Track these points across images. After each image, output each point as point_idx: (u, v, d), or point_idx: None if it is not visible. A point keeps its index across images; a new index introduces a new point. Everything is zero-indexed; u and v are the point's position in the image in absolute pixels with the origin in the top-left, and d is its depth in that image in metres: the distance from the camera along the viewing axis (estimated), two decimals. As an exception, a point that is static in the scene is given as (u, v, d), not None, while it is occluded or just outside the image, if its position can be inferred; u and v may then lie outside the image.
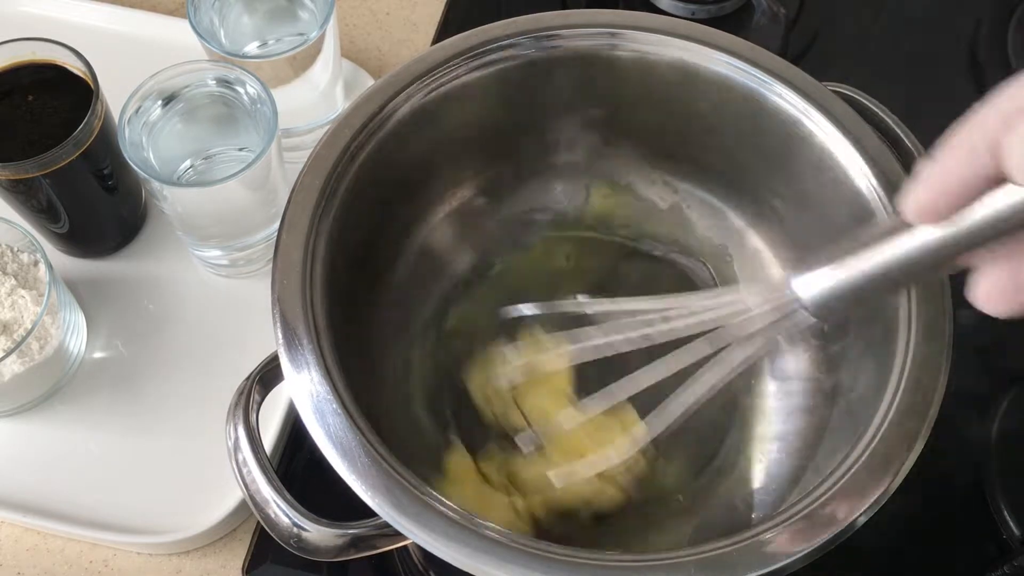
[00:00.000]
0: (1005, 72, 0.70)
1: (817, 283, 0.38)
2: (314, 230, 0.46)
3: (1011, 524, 0.54)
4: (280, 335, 0.43)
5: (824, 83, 0.52)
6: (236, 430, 0.43)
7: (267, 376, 0.44)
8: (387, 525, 0.39)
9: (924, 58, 0.73)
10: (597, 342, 0.44)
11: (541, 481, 0.48)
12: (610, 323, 0.44)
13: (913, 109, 0.65)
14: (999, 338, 0.61)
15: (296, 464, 0.56)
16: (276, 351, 0.43)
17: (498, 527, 0.39)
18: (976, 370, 0.59)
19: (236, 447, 0.42)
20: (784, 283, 0.40)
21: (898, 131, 0.51)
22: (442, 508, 0.39)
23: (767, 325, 0.41)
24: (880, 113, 0.52)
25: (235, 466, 0.42)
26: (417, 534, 0.38)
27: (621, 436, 0.48)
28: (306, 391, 0.41)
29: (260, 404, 0.44)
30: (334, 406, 0.41)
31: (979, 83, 0.71)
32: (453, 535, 0.38)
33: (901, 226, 0.34)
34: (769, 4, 0.72)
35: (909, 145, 0.51)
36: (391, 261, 0.54)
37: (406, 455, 0.41)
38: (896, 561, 0.54)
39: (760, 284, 0.45)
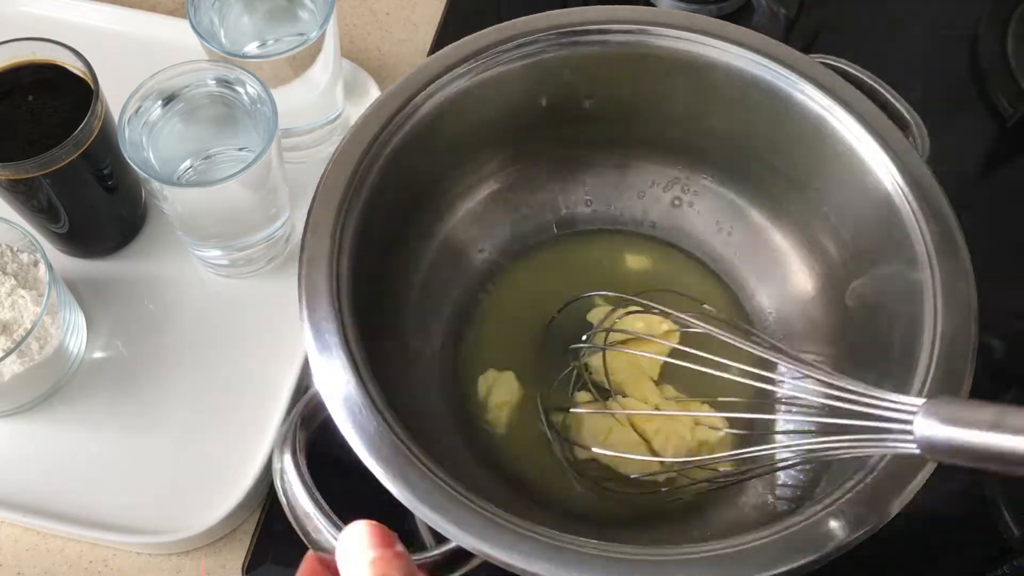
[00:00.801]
0: (1005, 72, 0.70)
1: (943, 433, 0.35)
2: (339, 229, 0.46)
3: (1011, 524, 0.54)
4: (310, 335, 0.43)
5: (812, 55, 0.52)
6: (285, 477, 0.42)
7: (307, 418, 0.44)
8: (454, 552, 0.39)
9: (924, 58, 0.73)
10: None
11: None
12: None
13: (913, 109, 0.65)
14: (999, 338, 0.61)
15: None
16: (311, 392, 0.43)
17: (544, 528, 0.39)
18: (976, 370, 0.59)
19: (288, 491, 0.42)
20: (906, 405, 0.37)
21: (892, 99, 0.52)
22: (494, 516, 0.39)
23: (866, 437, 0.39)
24: (870, 82, 0.53)
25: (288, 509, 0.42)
26: (485, 550, 0.38)
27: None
28: (340, 394, 0.42)
29: (306, 442, 0.44)
30: (371, 415, 0.41)
31: (979, 83, 0.71)
32: (531, 551, 0.38)
33: None
34: (769, 4, 0.72)
35: (906, 115, 0.52)
36: (415, 257, 0.54)
37: (438, 450, 0.42)
38: (896, 561, 0.54)
39: (883, 398, 0.39)
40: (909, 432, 0.36)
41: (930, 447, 0.35)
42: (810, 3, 0.74)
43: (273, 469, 0.43)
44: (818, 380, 0.41)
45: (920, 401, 0.36)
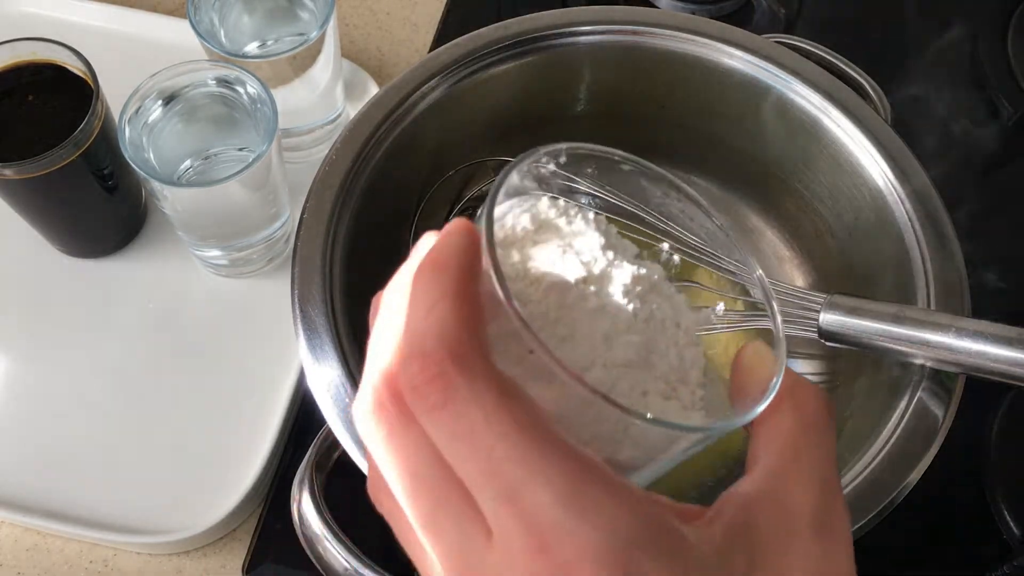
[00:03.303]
0: (1005, 72, 0.70)
1: (845, 322, 0.44)
2: (332, 230, 0.46)
3: (1011, 524, 0.54)
4: (303, 338, 0.43)
5: (768, 35, 0.53)
6: (304, 516, 0.42)
7: (321, 461, 0.44)
8: None
9: (924, 58, 0.73)
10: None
11: None
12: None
13: (913, 109, 0.65)
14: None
15: (295, 464, 0.56)
16: (325, 431, 0.43)
17: None
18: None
19: (307, 533, 0.42)
20: (812, 299, 0.45)
21: (851, 72, 0.53)
22: None
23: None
24: (830, 58, 0.53)
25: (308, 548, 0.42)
26: None
27: None
28: (331, 395, 0.42)
29: (325, 476, 0.43)
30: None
31: (979, 83, 0.71)
32: None
33: (935, 322, 0.41)
34: (769, 4, 0.72)
35: (865, 84, 0.52)
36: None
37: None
38: (896, 561, 0.54)
39: (789, 288, 0.49)
40: (815, 319, 0.45)
41: (830, 333, 0.44)
42: (810, 3, 0.74)
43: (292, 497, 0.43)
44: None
45: (823, 296, 0.45)
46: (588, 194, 0.57)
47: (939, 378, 0.43)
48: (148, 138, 0.53)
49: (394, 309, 0.26)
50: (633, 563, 0.21)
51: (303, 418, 0.56)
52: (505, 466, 0.22)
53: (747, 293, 0.56)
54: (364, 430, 0.25)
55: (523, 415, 0.22)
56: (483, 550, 0.22)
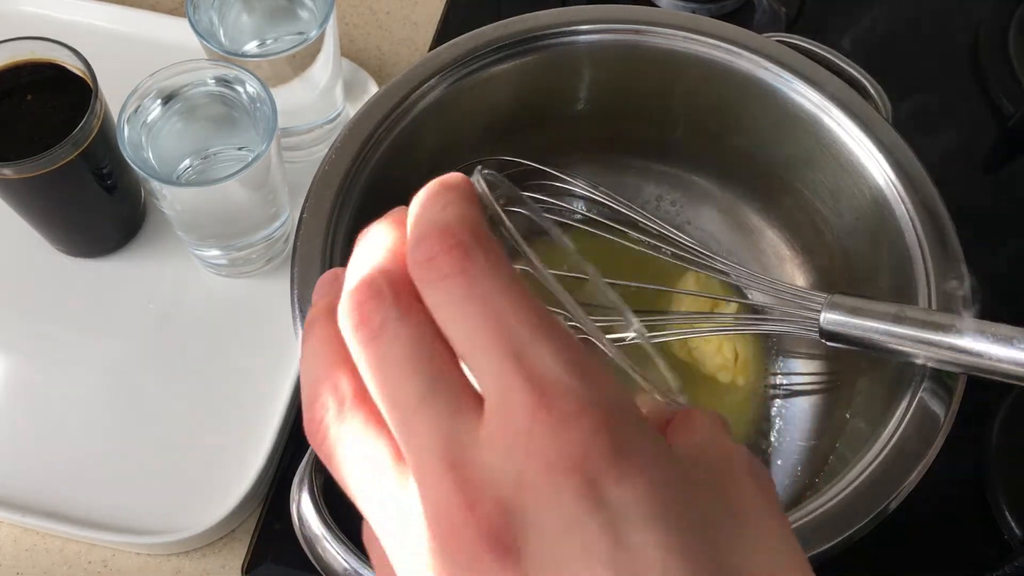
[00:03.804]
0: (1006, 72, 0.70)
1: (845, 322, 0.44)
2: (332, 230, 0.46)
3: (1011, 524, 0.54)
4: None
5: (769, 34, 0.53)
6: (303, 516, 0.42)
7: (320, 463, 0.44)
8: None
9: (924, 58, 0.73)
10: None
11: None
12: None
13: (914, 109, 0.65)
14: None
15: (295, 464, 0.56)
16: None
17: None
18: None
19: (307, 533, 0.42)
20: (812, 299, 0.46)
21: (854, 72, 0.53)
22: None
23: (779, 321, 0.48)
24: (832, 58, 0.53)
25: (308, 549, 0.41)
26: None
27: None
28: None
29: (325, 476, 0.43)
30: None
31: (980, 83, 0.71)
32: None
33: (936, 322, 0.41)
34: (769, 3, 0.72)
35: (867, 85, 0.52)
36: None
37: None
38: (896, 561, 0.54)
39: (790, 288, 0.49)
40: (816, 319, 0.45)
41: (831, 333, 0.45)
42: (811, 2, 0.73)
43: (291, 498, 0.43)
44: (753, 275, 0.52)
45: (823, 296, 0.45)
46: (584, 195, 0.57)
47: (939, 378, 0.43)
48: (147, 137, 0.53)
49: (385, 231, 0.26)
50: (626, 428, 0.22)
51: (303, 418, 0.56)
52: (515, 327, 0.22)
53: (742, 295, 0.57)
54: (355, 324, 0.24)
55: (534, 297, 0.23)
56: (473, 428, 0.22)
